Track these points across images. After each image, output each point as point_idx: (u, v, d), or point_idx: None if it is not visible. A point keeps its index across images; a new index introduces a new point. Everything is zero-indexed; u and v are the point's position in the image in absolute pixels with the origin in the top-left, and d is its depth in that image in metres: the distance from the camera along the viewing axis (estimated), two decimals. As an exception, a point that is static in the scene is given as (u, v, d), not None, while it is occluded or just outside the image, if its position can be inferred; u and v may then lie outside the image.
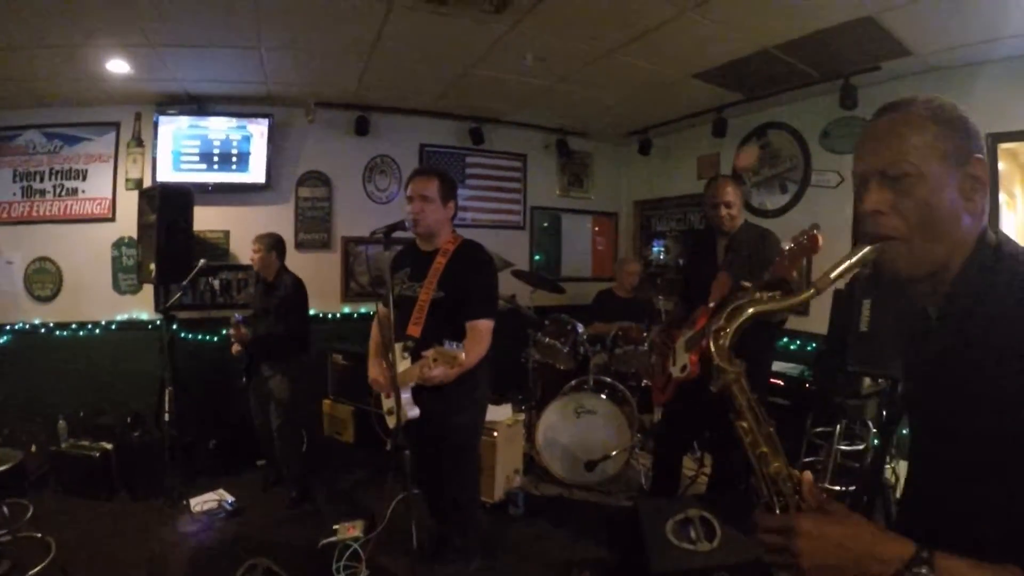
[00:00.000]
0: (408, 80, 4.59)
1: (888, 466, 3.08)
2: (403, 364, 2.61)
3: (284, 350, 3.85)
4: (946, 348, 0.97)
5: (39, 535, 3.22)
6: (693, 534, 2.73)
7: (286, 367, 3.86)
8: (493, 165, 6.03)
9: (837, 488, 3.33)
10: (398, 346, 2.64)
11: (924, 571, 0.79)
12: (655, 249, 6.53)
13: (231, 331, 3.84)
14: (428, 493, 3.07)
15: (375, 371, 2.88)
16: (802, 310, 4.57)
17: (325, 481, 4.16)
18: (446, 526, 3.03)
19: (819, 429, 3.64)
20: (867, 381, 3.62)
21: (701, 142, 5.59)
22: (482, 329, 2.65)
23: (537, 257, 6.40)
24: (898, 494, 2.87)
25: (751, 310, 1.03)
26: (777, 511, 0.99)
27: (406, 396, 2.60)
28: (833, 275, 0.98)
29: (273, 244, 3.97)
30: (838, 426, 3.51)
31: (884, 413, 3.54)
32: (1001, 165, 3.77)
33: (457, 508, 2.97)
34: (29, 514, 3.35)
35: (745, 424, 1.03)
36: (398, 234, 2.59)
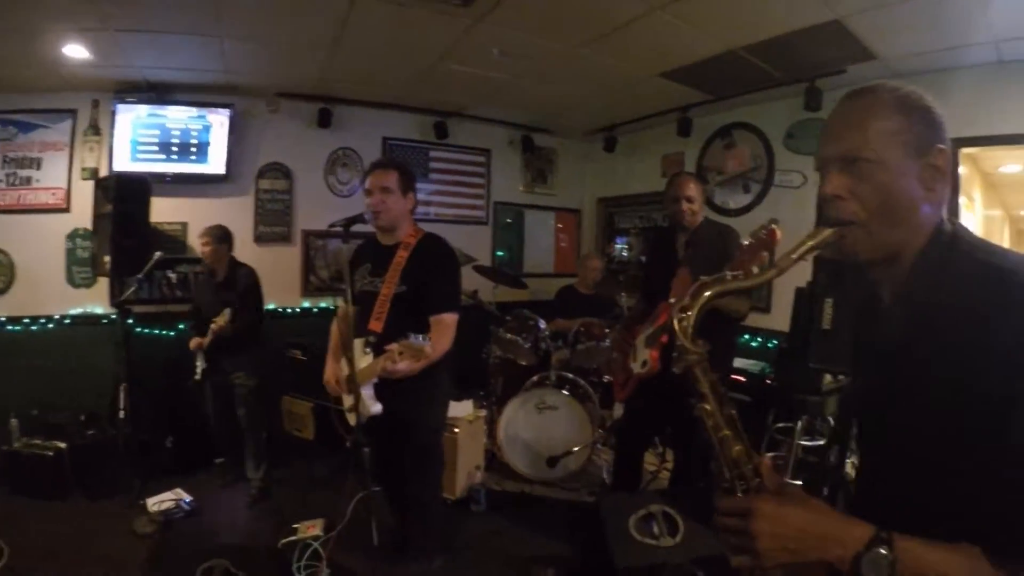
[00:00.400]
0: (373, 72, 4.53)
1: (848, 460, 3.14)
2: (365, 360, 2.57)
3: (248, 342, 3.80)
4: (901, 333, 0.97)
5: (-10, 539, 3.10)
6: (656, 529, 2.73)
7: (249, 359, 3.81)
8: (457, 160, 5.99)
9: (798, 483, 3.37)
10: (359, 342, 2.60)
11: (883, 551, 0.80)
12: (619, 245, 6.56)
13: (214, 327, 3.68)
14: (390, 491, 3.03)
15: (330, 372, 2.84)
16: (764, 307, 4.63)
17: (285, 479, 4.08)
18: (408, 524, 2.99)
19: (780, 425, 3.69)
20: (828, 378, 3.67)
21: (666, 141, 5.62)
22: (447, 323, 2.62)
23: (500, 253, 6.38)
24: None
25: (714, 290, 1.04)
26: (739, 494, 0.99)
27: (368, 392, 2.56)
28: (795, 256, 1.00)
29: (222, 236, 3.89)
30: (799, 422, 3.56)
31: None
32: (962, 169, 3.87)
33: (420, 505, 2.93)
34: (-20, 517, 3.23)
35: (708, 407, 1.03)
36: (357, 227, 2.54)
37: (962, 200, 4.06)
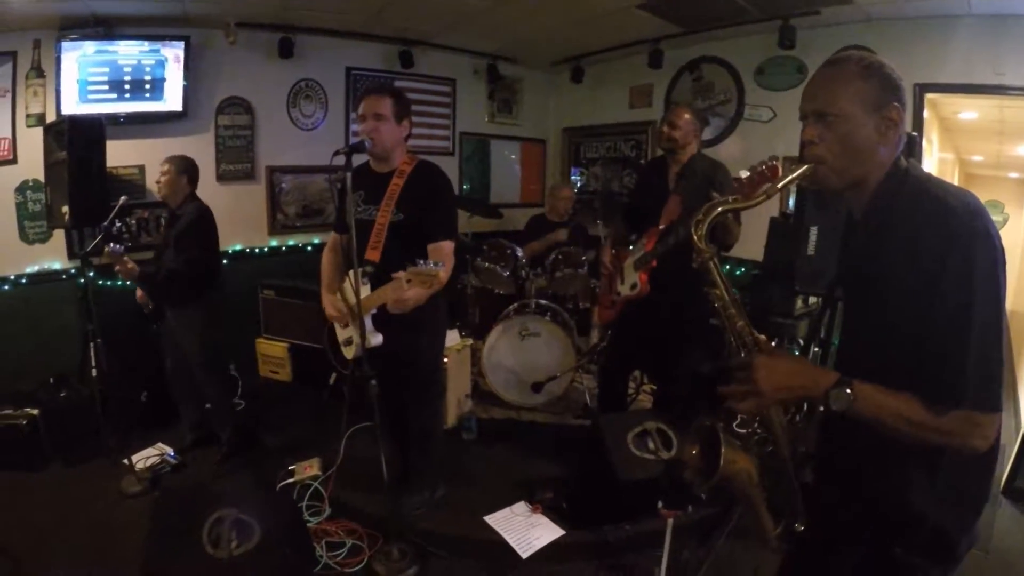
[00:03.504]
0: (339, -2, 4.30)
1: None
2: (363, 291, 2.53)
3: (185, 288, 3.37)
4: (864, 242, 1.29)
5: (-30, 520, 2.92)
6: (652, 444, 2.88)
7: (192, 309, 3.44)
8: (422, 90, 5.82)
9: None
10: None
11: (847, 391, 1.14)
12: (573, 177, 6.62)
13: (116, 268, 3.28)
14: (389, 423, 3.04)
15: (329, 303, 2.80)
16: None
17: (269, 423, 4.00)
18: (410, 456, 3.02)
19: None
20: (799, 303, 3.87)
21: (635, 72, 5.62)
22: (445, 251, 2.61)
23: (466, 186, 6.33)
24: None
25: (720, 208, 1.37)
26: (742, 355, 1.34)
27: (367, 323, 2.54)
28: (779, 184, 1.32)
29: (185, 167, 3.54)
30: (772, 344, 3.74)
31: (810, 329, 3.81)
32: (925, 113, 3.98)
33: (422, 436, 2.97)
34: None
35: (717, 292, 1.38)
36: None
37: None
